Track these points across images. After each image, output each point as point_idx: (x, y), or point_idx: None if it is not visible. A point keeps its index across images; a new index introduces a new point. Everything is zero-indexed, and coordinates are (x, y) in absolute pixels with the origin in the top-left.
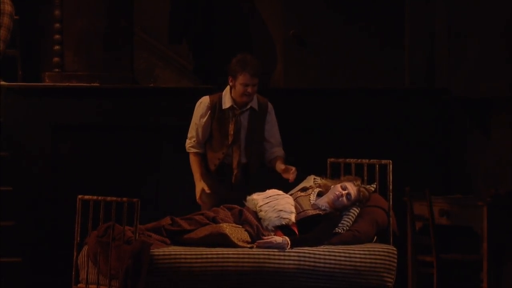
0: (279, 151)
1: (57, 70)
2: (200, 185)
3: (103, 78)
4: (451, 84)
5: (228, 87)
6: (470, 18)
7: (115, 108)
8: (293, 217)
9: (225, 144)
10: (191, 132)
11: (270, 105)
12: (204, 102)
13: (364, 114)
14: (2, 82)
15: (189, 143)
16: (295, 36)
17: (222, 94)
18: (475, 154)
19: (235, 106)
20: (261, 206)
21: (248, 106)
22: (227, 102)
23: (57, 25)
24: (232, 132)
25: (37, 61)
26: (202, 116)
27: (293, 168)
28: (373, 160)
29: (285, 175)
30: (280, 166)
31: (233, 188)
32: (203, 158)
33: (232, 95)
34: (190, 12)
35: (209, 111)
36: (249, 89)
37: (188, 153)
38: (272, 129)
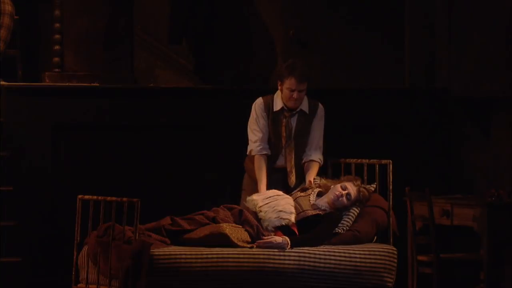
0: (314, 155)
1: (57, 70)
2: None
3: (103, 78)
4: (451, 84)
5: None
6: (470, 18)
7: (115, 108)
8: (293, 218)
9: (279, 146)
10: (254, 136)
11: (320, 108)
12: (258, 103)
13: (364, 114)
14: (2, 82)
15: (255, 146)
16: (295, 36)
17: (274, 96)
18: (475, 154)
19: (285, 108)
20: (261, 206)
21: (298, 109)
22: (278, 104)
23: (57, 25)
24: (284, 135)
25: (37, 61)
26: (259, 117)
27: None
28: (373, 160)
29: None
30: (308, 178)
31: (289, 191)
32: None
33: (282, 98)
34: (190, 12)
35: (265, 113)
36: (295, 95)
37: (251, 156)
38: (313, 132)
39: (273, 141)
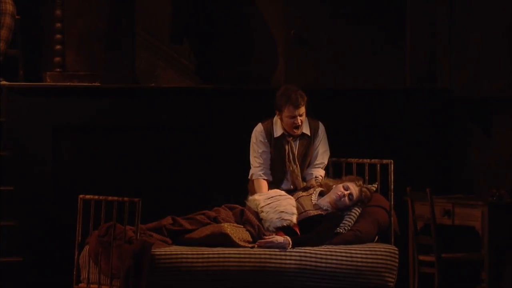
0: (315, 172)
1: (58, 69)
2: None
3: (104, 77)
4: (452, 84)
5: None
6: (471, 17)
7: (116, 108)
8: (294, 219)
9: (283, 171)
10: (256, 161)
11: (321, 128)
12: (258, 130)
13: (366, 113)
14: (4, 82)
15: (257, 170)
16: (296, 35)
17: (273, 122)
18: (477, 153)
19: (286, 133)
20: (262, 207)
21: (299, 133)
22: (278, 131)
23: (58, 24)
24: (287, 160)
25: (39, 61)
26: (261, 143)
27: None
28: (374, 160)
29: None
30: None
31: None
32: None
33: (283, 125)
34: (191, 12)
35: (266, 139)
36: (297, 121)
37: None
38: (316, 152)
39: (275, 166)
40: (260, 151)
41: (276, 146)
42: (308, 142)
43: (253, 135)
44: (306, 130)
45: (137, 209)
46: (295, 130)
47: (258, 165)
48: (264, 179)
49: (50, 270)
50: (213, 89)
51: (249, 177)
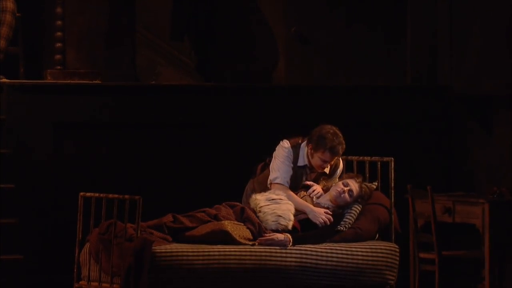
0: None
1: (59, 67)
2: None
3: (105, 75)
4: (453, 81)
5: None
6: (472, 15)
7: (117, 105)
8: (290, 225)
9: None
10: (284, 171)
11: (340, 167)
12: (289, 150)
13: (366, 111)
14: (4, 80)
15: (283, 177)
16: (297, 33)
17: (300, 147)
18: (477, 151)
19: (308, 166)
20: (261, 207)
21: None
22: (301, 161)
23: (59, 22)
24: (302, 189)
25: (39, 59)
26: (289, 161)
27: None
28: (375, 158)
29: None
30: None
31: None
32: None
33: (309, 158)
34: (192, 9)
35: (292, 162)
36: (326, 165)
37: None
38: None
39: (290, 187)
40: (288, 164)
41: (295, 172)
42: (325, 179)
43: (281, 149)
44: (326, 169)
45: (137, 207)
46: (320, 169)
47: (283, 172)
48: (286, 186)
49: (50, 267)
50: (213, 87)
51: (272, 179)
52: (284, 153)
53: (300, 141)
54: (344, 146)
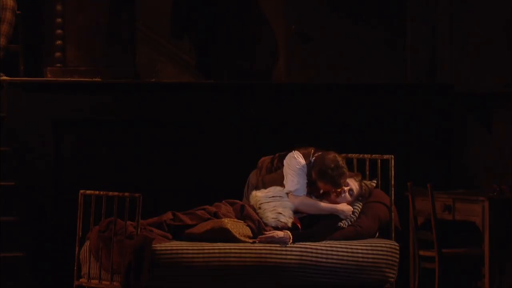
0: None
1: (59, 65)
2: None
3: (105, 73)
4: (453, 79)
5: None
6: (471, 13)
7: (117, 103)
8: (290, 222)
9: None
10: (302, 183)
11: (353, 188)
12: (304, 165)
13: (366, 109)
14: (4, 77)
15: (303, 190)
16: (297, 31)
17: (312, 163)
18: (477, 149)
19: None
20: (261, 203)
21: None
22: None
23: (59, 20)
24: None
25: (39, 56)
26: (304, 173)
27: None
28: (375, 155)
29: None
30: None
31: None
32: None
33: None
34: (192, 7)
35: (306, 173)
36: (333, 191)
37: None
38: None
39: None
40: (304, 177)
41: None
42: None
43: (296, 163)
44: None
45: (137, 205)
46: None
47: (304, 186)
48: None
49: (51, 265)
50: (213, 85)
51: (292, 189)
52: (298, 167)
53: (311, 157)
54: (346, 175)
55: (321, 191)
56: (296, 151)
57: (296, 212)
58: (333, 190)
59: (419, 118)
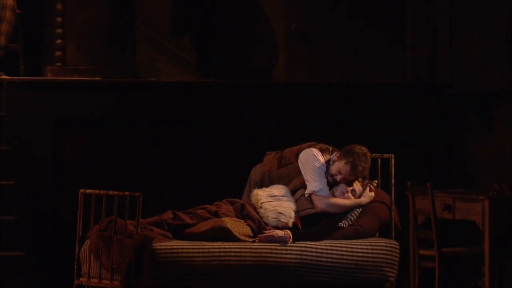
0: None
1: (59, 64)
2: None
3: (105, 72)
4: (453, 78)
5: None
6: (472, 12)
7: (117, 102)
8: (290, 222)
9: None
10: (324, 182)
11: (367, 191)
12: (323, 163)
13: (366, 108)
14: (4, 76)
15: (325, 190)
16: (297, 30)
17: (330, 162)
18: (477, 148)
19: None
20: (262, 203)
21: None
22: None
23: (59, 19)
24: None
25: (39, 55)
26: (323, 171)
27: None
28: (375, 154)
29: None
30: None
31: None
32: None
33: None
34: (192, 6)
35: (324, 171)
36: (342, 179)
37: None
38: None
39: None
40: (323, 175)
41: None
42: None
43: (315, 160)
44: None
45: (138, 204)
46: (330, 179)
47: (326, 185)
48: None
49: (51, 264)
50: (213, 84)
51: (315, 190)
52: (318, 165)
53: (330, 154)
54: (366, 170)
55: (334, 175)
56: (314, 148)
57: (296, 211)
58: (347, 175)
59: (419, 118)
